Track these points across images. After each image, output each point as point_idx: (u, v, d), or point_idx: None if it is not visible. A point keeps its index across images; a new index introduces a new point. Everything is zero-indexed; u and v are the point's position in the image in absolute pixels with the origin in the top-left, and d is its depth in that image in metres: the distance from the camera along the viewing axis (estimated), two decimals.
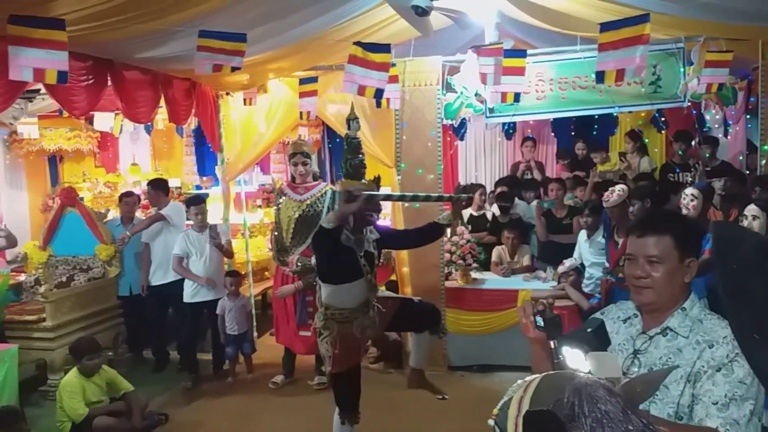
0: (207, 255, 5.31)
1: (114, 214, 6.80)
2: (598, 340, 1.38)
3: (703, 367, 1.63)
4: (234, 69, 3.91)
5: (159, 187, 5.85)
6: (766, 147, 5.02)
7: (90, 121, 7.68)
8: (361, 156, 3.46)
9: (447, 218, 3.61)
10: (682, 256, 1.72)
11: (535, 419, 0.93)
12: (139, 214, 6.36)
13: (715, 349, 1.63)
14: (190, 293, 5.30)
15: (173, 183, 8.36)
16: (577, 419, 0.90)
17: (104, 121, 7.48)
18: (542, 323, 1.58)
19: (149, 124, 7.67)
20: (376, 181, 3.50)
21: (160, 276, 5.58)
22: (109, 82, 4.58)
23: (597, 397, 0.91)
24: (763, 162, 5.03)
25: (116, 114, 7.34)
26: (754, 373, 1.24)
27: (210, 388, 5.31)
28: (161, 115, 6.26)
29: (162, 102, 5.24)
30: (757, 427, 1.57)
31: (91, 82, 4.34)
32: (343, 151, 3.51)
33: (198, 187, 8.51)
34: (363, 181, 3.40)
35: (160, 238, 5.61)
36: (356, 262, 3.30)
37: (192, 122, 6.98)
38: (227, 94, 6.04)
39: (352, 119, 3.59)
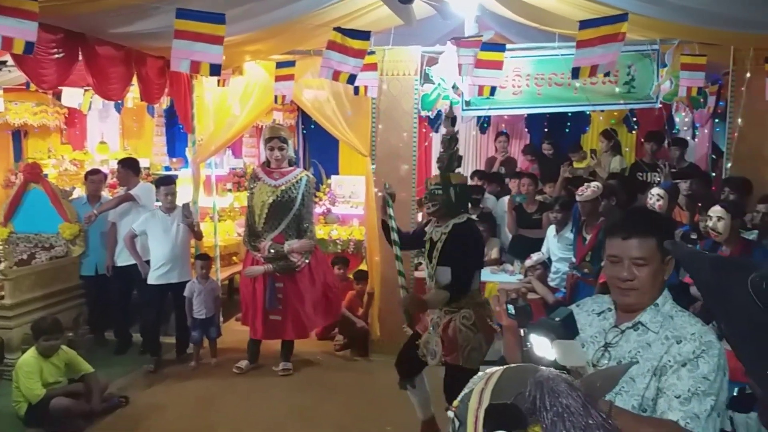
0: (173, 236, 5.22)
1: (80, 192, 6.64)
2: (565, 330, 1.39)
3: (670, 361, 1.66)
4: (213, 71, 3.83)
5: (129, 167, 5.72)
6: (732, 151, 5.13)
7: (58, 96, 7.46)
8: (455, 149, 3.60)
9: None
10: (663, 256, 1.75)
11: (497, 412, 0.92)
12: (105, 194, 6.22)
13: (682, 345, 1.66)
14: (155, 275, 5.22)
15: (142, 163, 8.18)
16: (538, 413, 0.90)
17: (73, 96, 7.27)
18: (513, 311, 1.62)
19: (119, 102, 7.50)
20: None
21: (126, 256, 5.48)
22: (81, 57, 4.46)
23: (558, 391, 0.91)
24: (729, 165, 5.15)
25: (86, 90, 7.15)
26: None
27: (173, 372, 5.24)
28: (132, 93, 6.12)
29: (134, 80, 5.13)
30: (716, 423, 1.60)
31: (61, 55, 4.22)
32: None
33: (167, 168, 8.36)
34: (456, 172, 3.58)
35: (127, 218, 5.49)
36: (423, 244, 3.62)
37: (164, 102, 6.83)
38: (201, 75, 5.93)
39: (449, 117, 3.74)
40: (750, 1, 3.66)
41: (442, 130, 3.73)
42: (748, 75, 4.90)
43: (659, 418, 1.62)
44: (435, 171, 8.25)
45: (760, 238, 4.06)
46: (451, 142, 3.59)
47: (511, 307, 1.62)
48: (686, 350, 1.65)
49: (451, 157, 3.57)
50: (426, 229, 3.62)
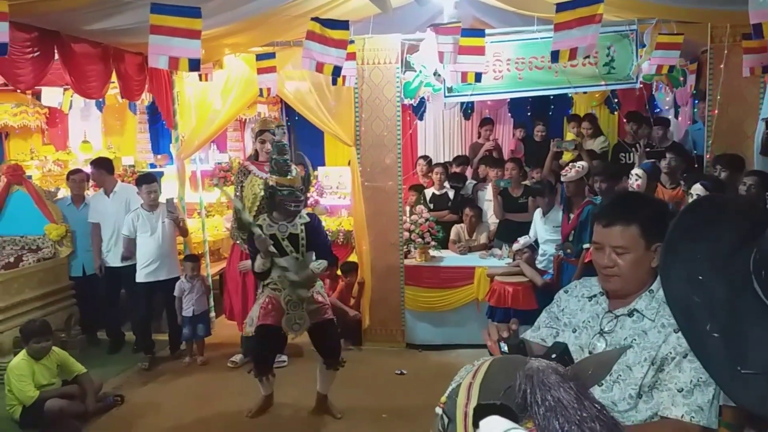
0: (159, 233, 5.21)
1: (64, 192, 6.59)
2: (563, 366, 1.33)
3: (671, 353, 1.63)
4: (192, 66, 3.80)
5: (102, 166, 5.65)
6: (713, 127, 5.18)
7: (37, 96, 7.38)
8: (286, 157, 3.97)
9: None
10: (648, 243, 1.70)
11: (487, 413, 0.88)
12: (90, 192, 6.18)
13: (680, 334, 1.60)
14: (143, 273, 5.21)
15: (126, 161, 8.14)
16: (529, 408, 0.86)
17: (53, 96, 7.20)
18: (507, 350, 1.49)
19: (101, 100, 7.43)
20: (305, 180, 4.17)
21: (113, 257, 5.47)
22: (57, 55, 4.42)
23: (550, 383, 0.87)
24: (710, 142, 5.21)
25: (65, 89, 7.08)
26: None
27: (167, 369, 5.25)
28: (114, 90, 6.06)
29: (114, 77, 5.08)
30: (717, 409, 1.60)
31: (36, 54, 4.18)
32: (271, 152, 4.05)
33: (152, 166, 8.31)
34: (288, 177, 3.92)
35: (115, 218, 5.47)
36: (279, 244, 3.92)
37: (146, 98, 6.78)
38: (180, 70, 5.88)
39: (278, 126, 4.17)
40: None
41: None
42: (726, 52, 4.93)
43: (660, 421, 1.62)
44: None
45: None
46: (284, 150, 3.97)
47: (503, 345, 1.49)
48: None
49: (285, 164, 3.95)
50: (266, 230, 3.91)
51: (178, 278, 5.32)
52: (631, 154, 6.06)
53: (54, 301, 5.34)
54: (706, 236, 1.12)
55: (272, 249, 3.82)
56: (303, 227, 4.01)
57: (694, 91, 6.10)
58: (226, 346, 5.52)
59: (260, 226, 3.91)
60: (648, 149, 5.66)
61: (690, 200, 3.86)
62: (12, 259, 5.28)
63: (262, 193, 5.02)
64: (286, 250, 3.95)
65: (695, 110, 6.38)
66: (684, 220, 1.20)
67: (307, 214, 4.11)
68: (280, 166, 3.93)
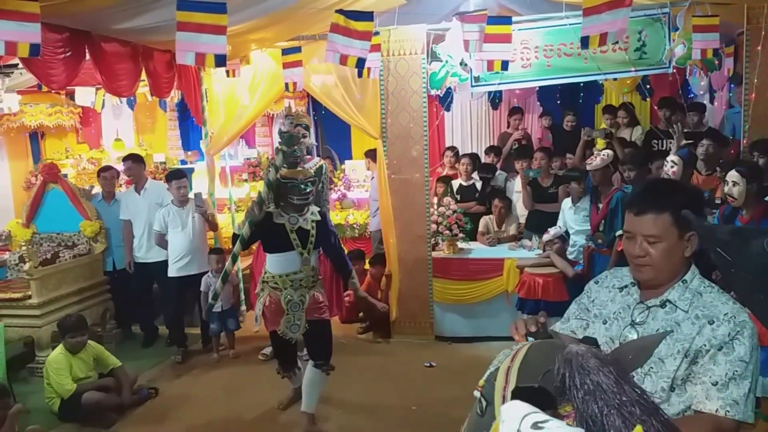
0: (189, 228, 5.28)
1: (98, 190, 6.73)
2: None
3: (705, 345, 1.58)
4: (219, 62, 3.82)
5: (140, 160, 5.80)
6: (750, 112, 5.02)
7: (71, 96, 7.53)
8: (295, 148, 3.75)
9: (353, 284, 4.15)
10: (682, 231, 1.65)
11: (524, 396, 0.87)
12: (122, 189, 6.30)
13: (716, 326, 1.59)
14: (175, 268, 5.29)
15: (158, 158, 8.27)
16: (568, 391, 0.86)
17: (85, 95, 7.34)
18: None
19: (132, 98, 7.55)
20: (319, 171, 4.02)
21: (144, 252, 5.58)
22: (87, 55, 4.49)
23: (589, 367, 0.87)
24: (747, 127, 5.04)
25: (98, 89, 7.21)
26: None
27: (199, 362, 5.33)
28: (144, 88, 6.16)
29: (143, 75, 5.16)
30: (753, 402, 1.56)
31: (68, 54, 4.26)
32: (280, 144, 3.80)
33: (183, 162, 8.41)
34: (298, 169, 3.77)
35: (146, 215, 5.57)
36: (287, 236, 3.73)
37: (175, 96, 6.87)
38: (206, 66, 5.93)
39: (287, 116, 4.03)
40: None
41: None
42: (763, 33, 4.76)
43: (694, 416, 1.58)
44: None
45: None
46: (293, 141, 3.74)
47: (532, 339, 1.46)
48: (721, 332, 1.58)
49: (293, 155, 3.75)
50: (276, 219, 3.75)
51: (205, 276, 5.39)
52: (664, 141, 5.91)
53: (90, 296, 5.47)
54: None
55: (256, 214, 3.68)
56: (314, 224, 3.81)
57: (732, 76, 5.91)
58: (256, 339, 5.56)
59: (272, 214, 3.75)
60: (686, 131, 5.50)
61: (726, 187, 3.74)
62: (49, 256, 5.41)
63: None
64: (292, 243, 3.75)
65: (731, 94, 6.19)
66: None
67: (319, 212, 3.94)
68: (286, 156, 3.73)
